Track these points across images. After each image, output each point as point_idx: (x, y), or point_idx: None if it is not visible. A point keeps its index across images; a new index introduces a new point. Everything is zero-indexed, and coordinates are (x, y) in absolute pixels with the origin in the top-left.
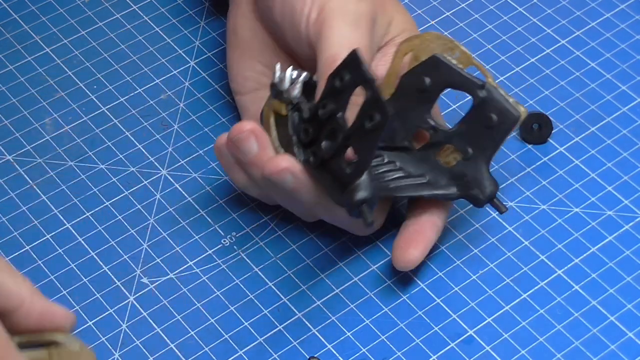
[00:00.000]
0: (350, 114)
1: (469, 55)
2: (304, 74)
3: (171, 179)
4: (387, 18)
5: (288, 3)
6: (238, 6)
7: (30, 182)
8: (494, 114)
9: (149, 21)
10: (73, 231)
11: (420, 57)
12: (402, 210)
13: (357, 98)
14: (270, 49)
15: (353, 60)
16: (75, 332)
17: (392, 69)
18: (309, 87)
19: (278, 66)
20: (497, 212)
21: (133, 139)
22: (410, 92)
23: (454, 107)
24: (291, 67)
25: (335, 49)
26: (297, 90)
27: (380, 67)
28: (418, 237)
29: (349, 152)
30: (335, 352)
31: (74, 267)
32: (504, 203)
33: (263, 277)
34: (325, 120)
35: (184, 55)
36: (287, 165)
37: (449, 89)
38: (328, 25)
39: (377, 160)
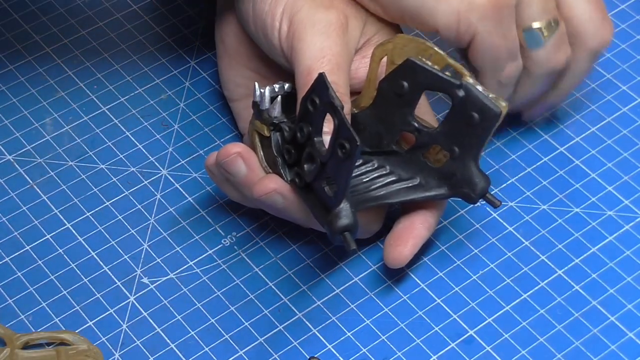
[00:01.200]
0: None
1: (443, 56)
2: (286, 86)
3: (171, 179)
4: (361, 19)
5: (259, 17)
6: (223, 15)
7: (30, 182)
8: (474, 112)
9: (149, 21)
10: (73, 231)
11: (395, 60)
12: (400, 209)
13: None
14: (258, 55)
15: (320, 85)
16: (76, 332)
17: (370, 75)
18: (291, 98)
19: (257, 85)
20: (496, 211)
21: (133, 139)
22: (389, 96)
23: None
24: (268, 87)
25: (308, 62)
26: (276, 110)
27: (360, 70)
28: (408, 234)
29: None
30: (335, 352)
31: (74, 267)
32: (499, 200)
33: (263, 277)
34: (304, 143)
35: (184, 55)
36: (275, 187)
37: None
38: (299, 37)
39: (367, 166)
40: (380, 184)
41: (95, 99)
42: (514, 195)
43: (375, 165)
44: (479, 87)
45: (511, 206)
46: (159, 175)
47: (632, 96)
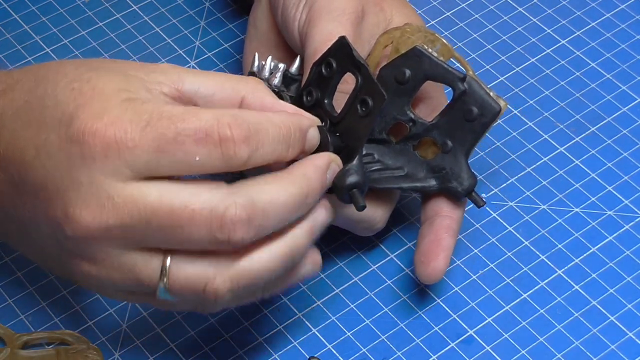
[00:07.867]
0: (338, 103)
1: (450, 48)
2: (282, 65)
3: None
4: (383, 17)
5: (286, 8)
6: (260, 1)
7: None
8: (474, 107)
9: (149, 21)
10: None
11: (400, 49)
12: (404, 210)
13: (345, 86)
14: (285, 45)
15: (341, 47)
16: (76, 332)
17: (372, 61)
18: (287, 79)
19: (257, 55)
20: (496, 211)
21: None
22: (389, 84)
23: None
24: (270, 57)
25: (317, 44)
26: (277, 80)
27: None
28: (436, 247)
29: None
30: (335, 352)
31: None
32: (485, 199)
33: None
34: (310, 108)
35: (184, 55)
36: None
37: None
38: (313, 23)
39: None
40: (367, 170)
41: None
42: (514, 195)
43: (364, 152)
44: (482, 84)
45: (511, 206)
46: None
47: (632, 96)
